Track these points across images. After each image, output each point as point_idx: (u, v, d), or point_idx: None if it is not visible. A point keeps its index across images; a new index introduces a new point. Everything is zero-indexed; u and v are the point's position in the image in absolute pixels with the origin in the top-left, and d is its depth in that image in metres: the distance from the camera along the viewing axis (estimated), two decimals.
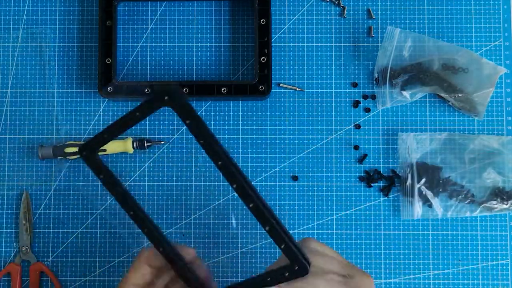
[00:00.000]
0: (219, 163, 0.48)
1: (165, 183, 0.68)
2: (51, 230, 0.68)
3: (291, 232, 0.67)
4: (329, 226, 0.67)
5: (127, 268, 0.67)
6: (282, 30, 0.70)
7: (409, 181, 0.66)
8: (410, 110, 0.69)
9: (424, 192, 0.66)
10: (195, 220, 0.68)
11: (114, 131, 0.48)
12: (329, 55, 0.69)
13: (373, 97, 0.69)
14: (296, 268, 0.48)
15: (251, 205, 0.47)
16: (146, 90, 0.67)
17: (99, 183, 0.68)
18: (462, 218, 0.67)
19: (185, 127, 0.69)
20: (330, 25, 0.70)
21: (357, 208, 0.67)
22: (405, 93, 0.67)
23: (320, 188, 0.68)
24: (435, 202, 0.66)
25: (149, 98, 0.47)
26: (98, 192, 0.68)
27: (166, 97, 0.46)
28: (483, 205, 0.66)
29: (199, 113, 0.69)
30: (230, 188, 0.67)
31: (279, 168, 0.68)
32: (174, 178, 0.68)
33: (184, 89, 0.67)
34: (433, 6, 0.70)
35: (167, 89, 0.46)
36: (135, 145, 0.67)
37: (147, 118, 0.68)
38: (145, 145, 0.67)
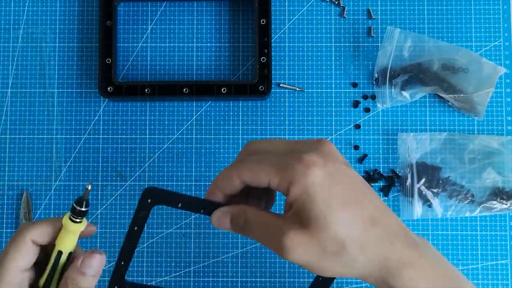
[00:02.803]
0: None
1: (165, 183, 0.68)
2: None
3: None
4: None
5: None
6: (282, 30, 0.70)
7: (409, 181, 0.66)
8: (410, 110, 0.69)
9: (424, 192, 0.66)
10: (195, 220, 0.68)
11: (127, 254, 0.47)
12: (329, 55, 0.70)
13: (373, 97, 0.69)
14: None
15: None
16: (146, 90, 0.67)
17: (99, 183, 0.68)
18: (462, 218, 0.67)
19: (185, 127, 0.69)
20: (330, 25, 0.70)
21: None
22: (405, 93, 0.67)
23: None
24: (435, 202, 0.66)
25: (136, 208, 0.46)
26: (98, 192, 0.68)
27: (149, 200, 0.46)
28: (482, 205, 0.66)
29: (199, 113, 0.69)
30: None
31: None
32: (174, 178, 0.68)
33: (184, 89, 0.67)
34: (433, 6, 0.70)
35: (147, 192, 0.45)
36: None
37: (147, 118, 0.69)
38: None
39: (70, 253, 0.46)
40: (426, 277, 0.42)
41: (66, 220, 0.45)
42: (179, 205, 0.45)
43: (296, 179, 0.41)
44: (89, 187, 0.45)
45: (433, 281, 0.43)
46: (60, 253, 0.46)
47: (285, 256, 0.41)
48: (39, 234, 0.45)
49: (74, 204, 0.44)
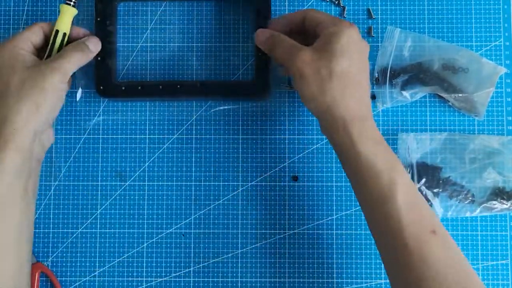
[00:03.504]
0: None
1: (165, 183, 0.68)
2: (51, 230, 0.68)
3: (291, 232, 0.67)
4: (329, 226, 0.67)
5: (126, 267, 0.67)
6: None
7: None
8: (410, 110, 0.69)
9: (424, 192, 0.66)
10: (195, 220, 0.68)
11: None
12: None
13: (373, 97, 0.69)
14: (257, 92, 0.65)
15: None
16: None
17: (99, 183, 0.68)
18: (462, 218, 0.67)
19: (185, 127, 0.69)
20: None
21: (357, 208, 0.67)
22: (405, 93, 0.67)
23: (320, 188, 0.68)
24: (435, 202, 0.66)
25: None
26: (98, 192, 0.68)
27: None
28: (483, 205, 0.66)
29: (199, 113, 0.69)
30: (230, 188, 0.68)
31: (279, 168, 0.68)
32: (174, 178, 0.68)
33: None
34: (433, 6, 0.70)
35: None
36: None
37: (147, 118, 0.69)
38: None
39: (64, 34, 0.63)
40: (372, 130, 0.57)
41: (62, 5, 0.63)
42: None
43: (341, 26, 0.57)
44: None
45: (376, 135, 0.56)
46: (57, 32, 0.62)
47: (292, 67, 0.57)
48: (46, 24, 0.63)
49: None
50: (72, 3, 0.63)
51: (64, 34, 0.63)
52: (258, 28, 0.64)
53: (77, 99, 0.68)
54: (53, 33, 0.62)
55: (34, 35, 0.61)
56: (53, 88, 0.58)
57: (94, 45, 0.63)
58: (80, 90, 0.68)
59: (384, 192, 0.53)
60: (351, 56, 0.56)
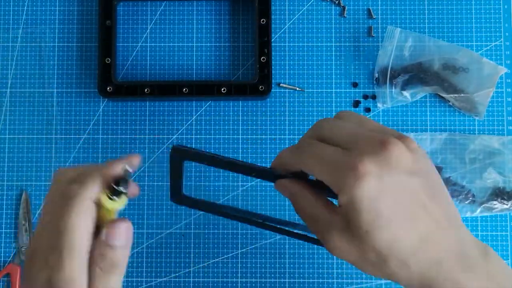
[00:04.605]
0: (253, 174, 0.45)
1: (165, 183, 0.68)
2: None
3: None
4: None
5: (127, 268, 0.67)
6: (282, 30, 0.70)
7: None
8: (410, 110, 0.68)
9: None
10: (195, 220, 0.68)
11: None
12: (329, 55, 0.69)
13: (374, 97, 0.69)
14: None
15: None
16: (146, 90, 0.67)
17: None
18: (463, 218, 0.67)
19: (185, 127, 0.69)
20: (330, 25, 0.70)
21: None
22: (405, 93, 0.67)
23: None
24: None
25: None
26: None
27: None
28: (483, 205, 0.66)
29: (199, 113, 0.69)
30: (230, 188, 0.68)
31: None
32: None
33: (184, 89, 0.67)
34: (433, 6, 0.70)
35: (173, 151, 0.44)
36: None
37: (147, 118, 0.68)
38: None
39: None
40: None
41: (103, 198, 0.40)
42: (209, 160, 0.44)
43: (345, 189, 0.38)
44: (128, 168, 0.41)
45: None
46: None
47: (330, 251, 0.41)
48: (96, 192, 0.40)
49: (112, 184, 0.40)
50: (115, 199, 0.41)
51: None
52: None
53: None
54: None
55: (88, 222, 0.40)
56: None
57: (120, 237, 0.40)
58: None
59: None
60: (384, 218, 0.38)
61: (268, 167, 0.45)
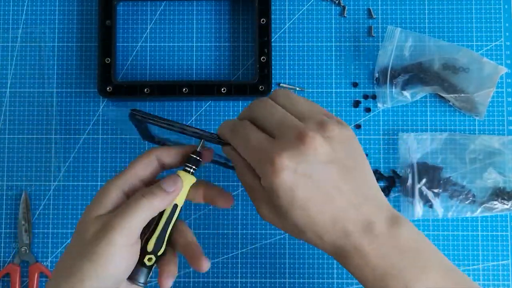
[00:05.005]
0: (202, 138, 0.50)
1: None
2: (50, 231, 0.68)
3: None
4: None
5: None
6: (282, 30, 0.70)
7: (409, 181, 0.66)
8: (410, 110, 0.68)
9: (424, 192, 0.66)
10: (195, 220, 0.68)
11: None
12: (329, 55, 0.69)
13: (374, 97, 0.69)
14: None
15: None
16: (145, 90, 0.67)
17: (99, 183, 0.68)
18: (463, 219, 0.67)
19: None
20: (330, 25, 0.70)
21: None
22: (405, 93, 0.67)
23: None
24: (436, 202, 0.66)
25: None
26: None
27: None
28: (484, 205, 0.66)
29: (199, 113, 0.69)
30: (230, 188, 0.67)
31: None
32: None
33: (184, 89, 0.67)
34: (433, 6, 0.70)
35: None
36: None
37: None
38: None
39: (176, 206, 0.49)
40: (372, 267, 0.45)
41: (181, 173, 0.49)
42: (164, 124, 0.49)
43: (265, 178, 0.45)
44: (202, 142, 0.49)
45: (378, 268, 0.45)
46: (175, 206, 0.49)
47: (260, 217, 0.48)
48: (165, 154, 0.49)
49: (191, 154, 0.49)
50: (192, 170, 0.49)
51: (176, 206, 0.49)
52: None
53: (139, 280, 0.50)
54: (170, 208, 0.49)
55: (144, 170, 0.49)
56: (112, 253, 0.44)
57: (170, 185, 0.48)
58: None
59: None
60: (301, 204, 0.45)
61: (215, 133, 0.50)
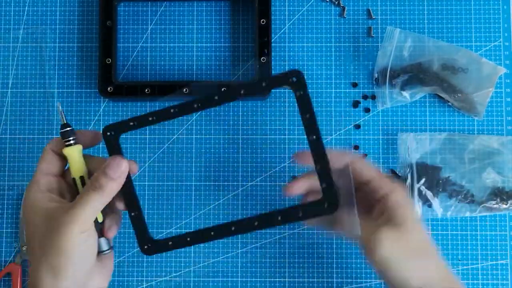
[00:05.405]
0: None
1: (165, 183, 0.68)
2: None
3: (291, 231, 0.67)
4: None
5: (126, 267, 0.67)
6: (282, 30, 0.70)
7: (408, 181, 0.66)
8: (410, 110, 0.69)
9: (423, 192, 0.66)
10: (195, 219, 0.68)
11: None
12: (329, 56, 0.69)
13: (373, 97, 0.69)
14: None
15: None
16: (146, 90, 0.67)
17: None
18: (462, 218, 0.67)
19: (185, 127, 0.69)
20: (330, 25, 0.70)
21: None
22: (405, 93, 0.67)
23: None
24: (435, 202, 0.66)
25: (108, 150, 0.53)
26: None
27: (110, 133, 0.53)
28: (482, 205, 0.66)
29: (199, 113, 0.69)
30: (230, 188, 0.68)
31: (279, 168, 0.68)
32: (174, 178, 0.68)
33: (184, 89, 0.67)
34: (433, 6, 0.70)
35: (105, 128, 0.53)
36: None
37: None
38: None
39: (82, 178, 0.52)
40: None
41: (65, 150, 0.52)
42: (132, 123, 0.54)
43: (396, 189, 0.53)
44: (60, 107, 0.53)
45: None
46: (81, 178, 0.52)
47: (374, 249, 0.51)
48: (54, 144, 0.52)
49: (61, 130, 0.51)
50: (72, 141, 0.52)
51: (82, 177, 0.52)
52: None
53: (102, 249, 0.52)
54: (73, 182, 0.52)
55: (49, 165, 0.52)
56: (71, 246, 0.47)
57: (114, 170, 0.50)
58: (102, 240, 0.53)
59: None
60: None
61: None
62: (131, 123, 0.53)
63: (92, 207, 0.48)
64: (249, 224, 0.50)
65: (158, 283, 0.67)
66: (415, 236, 0.52)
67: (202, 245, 0.67)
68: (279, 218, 0.50)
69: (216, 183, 0.68)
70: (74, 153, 0.52)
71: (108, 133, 0.53)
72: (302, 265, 0.67)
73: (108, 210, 0.52)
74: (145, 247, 0.53)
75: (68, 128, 0.51)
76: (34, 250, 0.49)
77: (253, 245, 0.67)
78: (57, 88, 0.70)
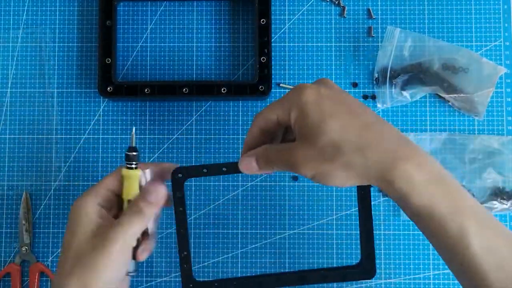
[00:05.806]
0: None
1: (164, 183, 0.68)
2: (51, 230, 0.68)
3: (291, 231, 0.67)
4: (329, 226, 0.67)
5: None
6: (282, 30, 0.70)
7: None
8: (410, 110, 0.69)
9: None
10: (195, 220, 0.68)
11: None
12: (329, 55, 0.69)
13: (373, 97, 0.69)
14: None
15: None
16: (146, 90, 0.67)
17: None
18: None
19: (185, 127, 0.69)
20: (330, 25, 0.70)
21: (357, 208, 0.67)
22: (405, 93, 0.67)
23: (320, 188, 0.68)
24: None
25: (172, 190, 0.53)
26: None
27: (179, 175, 0.53)
28: (483, 205, 0.66)
29: (199, 113, 0.69)
30: (230, 187, 0.68)
31: None
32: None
33: (184, 89, 0.67)
34: (433, 6, 0.70)
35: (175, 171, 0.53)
36: None
37: (147, 118, 0.69)
38: None
39: (130, 201, 0.52)
40: (421, 169, 0.45)
41: (124, 171, 0.51)
42: (205, 170, 0.52)
43: (292, 105, 0.48)
44: (133, 132, 0.53)
45: (429, 173, 0.45)
46: (129, 202, 0.51)
47: (299, 172, 0.47)
48: (101, 199, 0.51)
49: (127, 152, 0.51)
50: (133, 166, 0.52)
51: (129, 201, 0.52)
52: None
53: (129, 270, 0.53)
54: (125, 205, 0.52)
55: (114, 182, 0.52)
56: (107, 263, 0.48)
57: (153, 195, 0.51)
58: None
59: (455, 241, 0.45)
60: (330, 114, 0.47)
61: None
62: (204, 170, 0.52)
63: (132, 228, 0.49)
64: (291, 279, 0.55)
65: (158, 283, 0.67)
66: (325, 139, 0.46)
67: (202, 245, 0.67)
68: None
69: (216, 183, 0.68)
70: (131, 177, 0.52)
71: (177, 176, 0.52)
72: (302, 265, 0.67)
73: (145, 235, 0.52)
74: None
75: (135, 153, 0.51)
76: (66, 258, 0.49)
77: (253, 245, 0.67)
78: (57, 88, 0.70)
